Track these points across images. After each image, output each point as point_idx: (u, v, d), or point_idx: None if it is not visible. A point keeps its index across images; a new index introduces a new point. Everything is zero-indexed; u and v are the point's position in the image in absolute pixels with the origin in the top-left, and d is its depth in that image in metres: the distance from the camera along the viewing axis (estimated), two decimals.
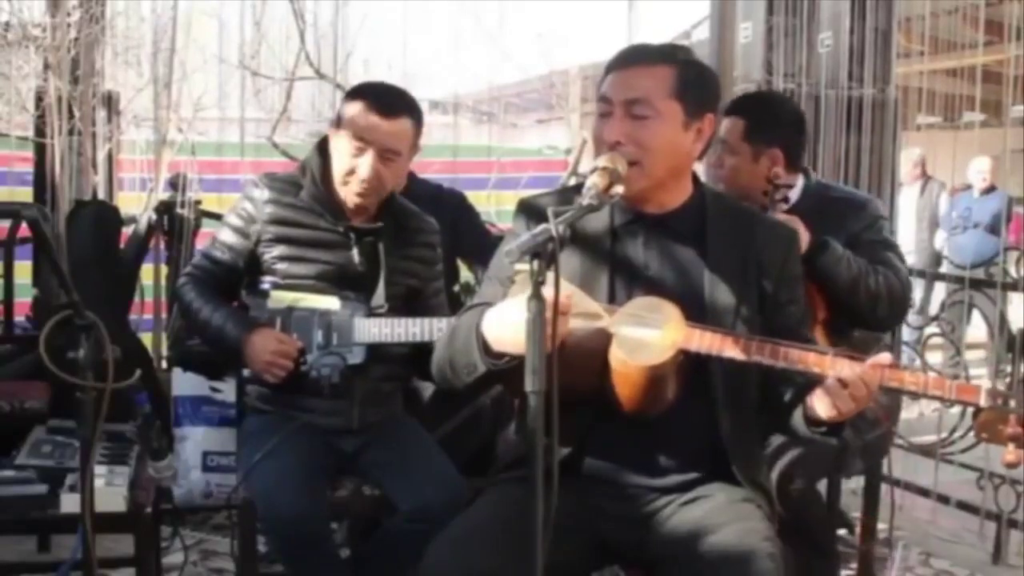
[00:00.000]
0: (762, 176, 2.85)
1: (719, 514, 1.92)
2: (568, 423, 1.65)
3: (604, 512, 1.98)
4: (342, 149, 2.56)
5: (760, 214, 2.34)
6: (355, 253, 2.61)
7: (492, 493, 2.03)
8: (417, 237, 2.72)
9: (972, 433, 2.53)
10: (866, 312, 2.77)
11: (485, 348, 1.84)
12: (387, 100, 2.56)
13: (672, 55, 1.97)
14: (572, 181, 6.60)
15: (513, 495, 1.88)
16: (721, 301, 1.97)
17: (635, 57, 1.97)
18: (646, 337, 1.85)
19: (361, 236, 2.62)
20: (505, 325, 1.78)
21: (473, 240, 3.47)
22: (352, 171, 2.54)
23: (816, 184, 2.98)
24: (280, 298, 2.58)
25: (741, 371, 1.92)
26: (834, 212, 2.82)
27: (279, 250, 2.58)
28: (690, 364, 1.90)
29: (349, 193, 2.57)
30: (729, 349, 1.85)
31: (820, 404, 1.84)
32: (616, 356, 1.85)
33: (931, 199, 7.96)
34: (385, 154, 2.53)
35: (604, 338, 1.86)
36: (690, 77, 1.94)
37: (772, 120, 2.95)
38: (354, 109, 2.55)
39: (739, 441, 1.99)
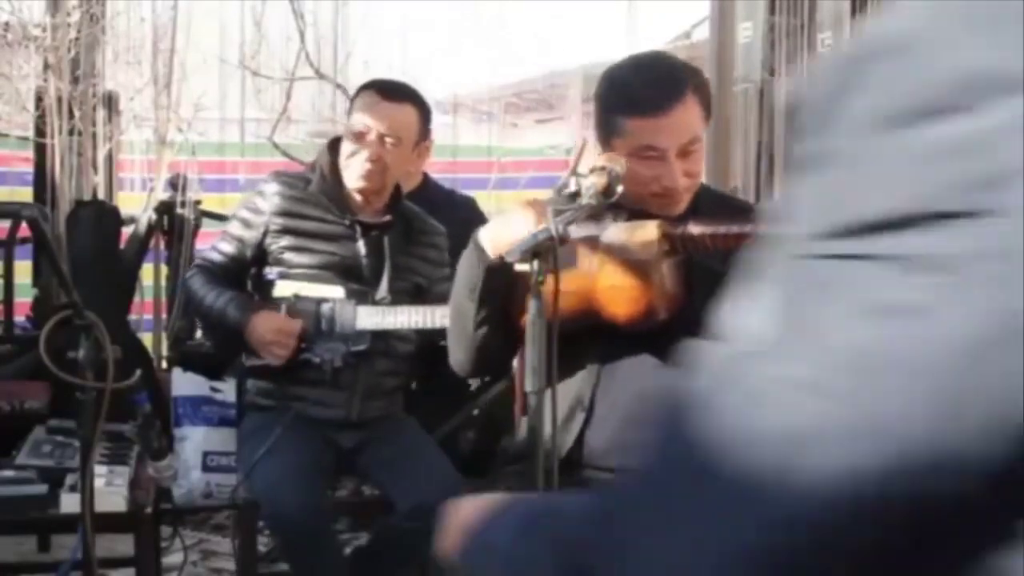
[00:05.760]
0: None
1: None
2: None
3: None
4: (348, 133, 2.63)
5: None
6: (360, 245, 2.64)
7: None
8: (423, 238, 2.75)
9: None
10: None
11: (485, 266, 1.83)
12: (391, 86, 2.70)
13: (694, 77, 1.91)
14: (572, 181, 6.59)
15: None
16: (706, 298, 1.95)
17: (670, 97, 1.85)
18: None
19: (367, 230, 2.66)
20: (502, 223, 1.84)
21: None
22: (354, 153, 2.59)
23: None
24: (285, 287, 2.62)
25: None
26: None
27: (286, 240, 2.62)
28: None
29: (352, 178, 2.60)
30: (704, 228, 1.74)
31: None
32: (604, 267, 1.79)
33: None
34: (386, 137, 2.58)
35: (587, 279, 1.81)
36: (707, 92, 1.93)
37: None
38: (362, 95, 2.67)
39: None
